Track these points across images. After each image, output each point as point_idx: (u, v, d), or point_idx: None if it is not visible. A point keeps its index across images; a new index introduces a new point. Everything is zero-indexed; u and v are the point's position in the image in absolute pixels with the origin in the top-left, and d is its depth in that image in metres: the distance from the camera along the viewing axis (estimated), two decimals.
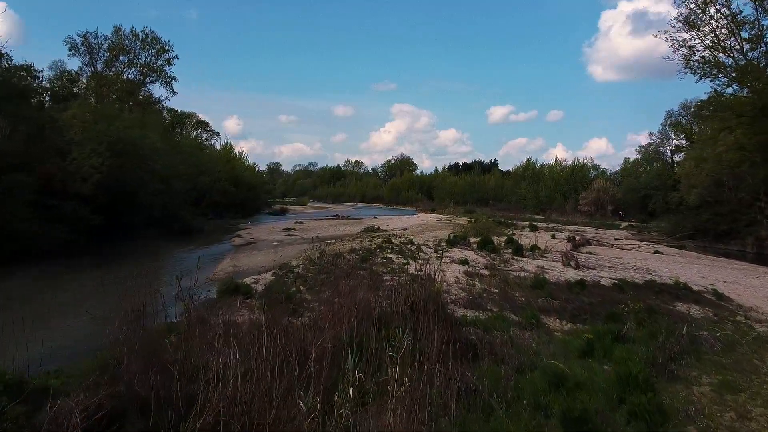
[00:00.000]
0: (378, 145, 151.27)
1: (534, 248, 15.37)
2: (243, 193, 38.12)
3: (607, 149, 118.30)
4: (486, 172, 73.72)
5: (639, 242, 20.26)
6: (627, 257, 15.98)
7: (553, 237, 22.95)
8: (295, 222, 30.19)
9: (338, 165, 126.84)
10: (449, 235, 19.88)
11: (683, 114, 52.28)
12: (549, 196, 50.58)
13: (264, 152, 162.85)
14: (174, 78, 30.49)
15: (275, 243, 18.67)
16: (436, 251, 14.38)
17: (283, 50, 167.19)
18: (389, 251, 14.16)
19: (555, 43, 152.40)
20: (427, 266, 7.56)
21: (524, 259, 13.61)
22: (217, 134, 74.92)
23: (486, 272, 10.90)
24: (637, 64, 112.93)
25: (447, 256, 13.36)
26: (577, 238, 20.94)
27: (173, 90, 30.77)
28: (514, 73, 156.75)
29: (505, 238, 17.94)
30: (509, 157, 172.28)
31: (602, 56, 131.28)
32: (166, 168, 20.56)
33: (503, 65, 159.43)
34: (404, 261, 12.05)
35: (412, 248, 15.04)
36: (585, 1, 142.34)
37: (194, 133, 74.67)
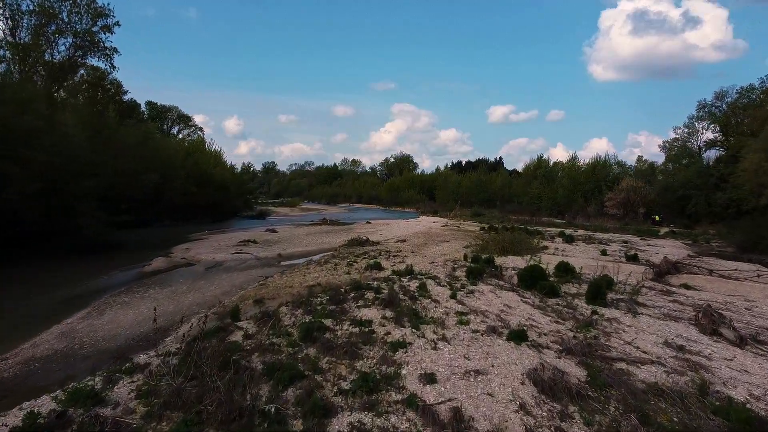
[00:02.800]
0: (378, 144, 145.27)
1: (611, 286, 9.31)
2: (211, 194, 32.07)
3: (607, 149, 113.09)
4: (491, 170, 67.77)
5: (754, 267, 14.07)
6: (755, 296, 9.94)
7: (603, 253, 16.91)
8: (267, 229, 24.18)
9: (335, 164, 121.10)
10: (466, 255, 13.86)
11: (717, 105, 46.45)
12: (568, 197, 44.44)
13: (264, 152, 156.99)
14: (115, 50, 24.46)
15: (210, 267, 12.66)
16: (453, 294, 8.30)
17: (282, 50, 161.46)
18: (372, 294, 8.11)
19: (555, 42, 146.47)
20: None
21: (614, 311, 7.56)
22: (201, 129, 69.16)
23: (577, 372, 4.85)
24: (637, 64, 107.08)
25: (477, 311, 7.30)
26: (652, 259, 14.88)
27: (113, 65, 24.73)
28: (515, 72, 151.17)
29: (556, 261, 11.84)
30: (510, 157, 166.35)
31: (602, 56, 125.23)
32: (67, 160, 14.53)
33: (503, 65, 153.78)
34: (396, 333, 5.99)
35: (413, 286, 9.01)
36: (585, 1, 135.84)
37: (176, 128, 68.98)
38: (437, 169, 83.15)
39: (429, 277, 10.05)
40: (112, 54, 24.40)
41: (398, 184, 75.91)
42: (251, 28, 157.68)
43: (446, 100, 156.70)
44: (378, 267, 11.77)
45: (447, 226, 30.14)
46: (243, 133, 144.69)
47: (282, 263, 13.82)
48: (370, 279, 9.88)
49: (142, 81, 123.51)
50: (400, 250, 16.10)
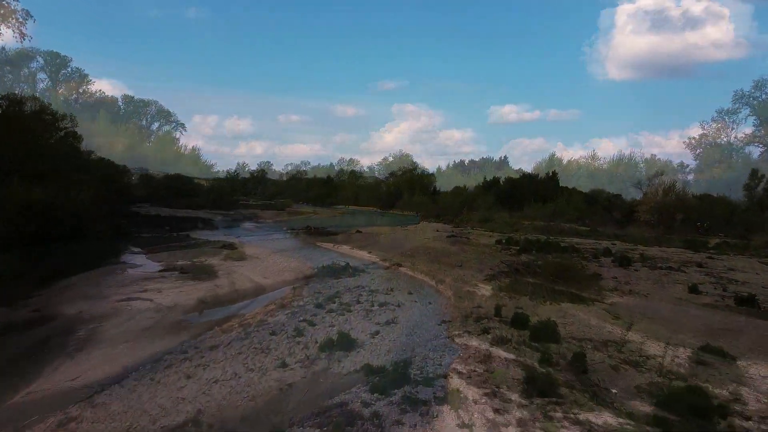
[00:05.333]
0: (380, 145, 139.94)
1: None
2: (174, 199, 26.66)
3: (607, 148, 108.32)
4: (497, 170, 62.46)
5: None
6: None
7: (693, 290, 11.42)
8: (224, 245, 18.77)
9: (331, 164, 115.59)
10: (498, 306, 8.38)
11: (756, 95, 40.92)
12: (590, 201, 38.99)
13: (265, 152, 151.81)
14: (28, 14, 19.17)
15: (46, 340, 7.24)
16: None
17: (284, 50, 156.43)
18: None
19: (556, 42, 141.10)
20: None
21: None
22: (183, 125, 63.86)
23: None
24: (638, 64, 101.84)
25: None
26: None
27: (22, 32, 19.46)
28: (517, 72, 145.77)
29: (638, 310, 6.36)
30: (510, 157, 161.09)
31: (603, 55, 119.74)
32: None
33: (504, 65, 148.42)
34: None
35: None
36: (586, 0, 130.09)
37: (156, 124, 63.62)
38: (439, 169, 77.79)
39: (442, 398, 4.63)
40: (25, 20, 19.06)
41: (398, 186, 70.45)
42: (251, 29, 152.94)
43: (447, 100, 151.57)
44: (345, 344, 6.38)
45: (454, 236, 24.73)
46: (246, 134, 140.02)
47: (198, 319, 8.43)
48: (316, 407, 4.45)
49: (141, 81, 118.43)
50: (392, 289, 10.69)
